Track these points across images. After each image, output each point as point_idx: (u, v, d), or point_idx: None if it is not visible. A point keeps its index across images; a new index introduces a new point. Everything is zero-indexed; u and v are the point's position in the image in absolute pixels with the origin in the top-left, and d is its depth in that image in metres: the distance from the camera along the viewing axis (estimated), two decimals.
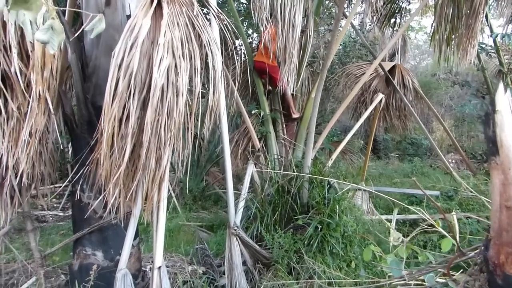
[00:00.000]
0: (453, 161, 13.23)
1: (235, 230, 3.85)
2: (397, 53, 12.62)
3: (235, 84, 4.81)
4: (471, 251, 1.56)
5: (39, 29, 1.32)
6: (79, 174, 2.80)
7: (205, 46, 2.68)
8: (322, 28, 10.95)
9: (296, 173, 4.24)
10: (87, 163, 2.72)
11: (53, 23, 1.32)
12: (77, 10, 3.02)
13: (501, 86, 1.26)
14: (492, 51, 5.44)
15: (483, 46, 5.29)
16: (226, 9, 8.58)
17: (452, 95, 16.00)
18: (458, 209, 5.10)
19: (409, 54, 16.41)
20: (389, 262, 1.66)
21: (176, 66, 2.46)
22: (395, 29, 7.95)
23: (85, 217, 2.93)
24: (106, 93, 2.25)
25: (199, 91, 2.60)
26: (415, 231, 1.98)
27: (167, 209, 7.01)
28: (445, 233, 1.77)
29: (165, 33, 2.31)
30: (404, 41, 11.84)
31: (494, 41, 5.44)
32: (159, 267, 2.88)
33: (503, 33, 5.05)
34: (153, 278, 2.82)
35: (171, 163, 2.87)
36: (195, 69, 2.55)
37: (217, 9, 3.11)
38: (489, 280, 1.38)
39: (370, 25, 11.91)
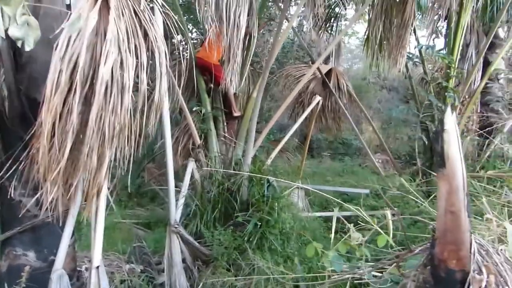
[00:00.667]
0: (380, 160, 14.13)
1: (176, 227, 3.83)
2: (332, 56, 13.18)
3: (177, 80, 4.76)
4: (417, 247, 1.78)
5: (13, 25, 1.23)
6: (10, 171, 2.62)
7: (151, 41, 2.64)
8: (263, 28, 11.12)
9: (237, 172, 4.31)
10: (20, 159, 2.57)
11: (29, 19, 1.24)
12: None
13: (448, 109, 1.44)
14: (418, 60, 5.92)
15: (410, 56, 5.74)
16: (169, 1, 8.40)
17: (381, 99, 17.07)
18: (386, 207, 5.48)
19: (343, 57, 17.17)
20: (331, 257, 1.79)
21: (122, 61, 2.40)
22: (331, 33, 8.33)
23: (17, 215, 2.75)
24: (47, 86, 2.15)
25: (145, 87, 2.56)
26: (355, 228, 2.12)
27: None
28: (380, 230, 1.93)
29: (112, 27, 2.25)
30: (338, 45, 12.38)
31: (420, 52, 5.93)
32: (97, 267, 2.80)
33: (428, 45, 5.52)
34: (91, 278, 2.73)
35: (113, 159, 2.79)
36: (141, 64, 2.50)
37: (162, 3, 3.07)
38: (432, 273, 1.62)
39: (307, 27, 12.31)
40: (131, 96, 2.57)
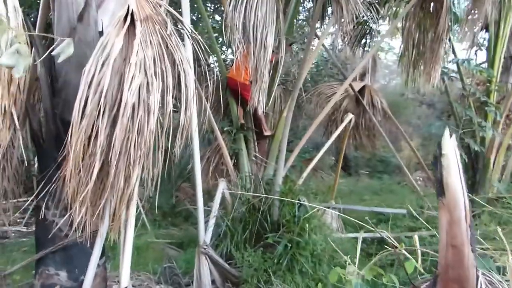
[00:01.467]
0: (421, 178, 13.61)
1: (205, 248, 3.82)
2: (368, 73, 12.94)
3: (208, 101, 4.84)
4: (422, 283, 1.66)
5: (4, 53, 1.30)
6: (44, 190, 2.72)
7: (177, 65, 2.69)
8: (296, 47, 11.17)
9: (265, 195, 4.27)
10: (53, 179, 2.66)
11: (19, 47, 1.31)
12: (46, 35, 2.99)
13: (446, 131, 1.34)
14: (454, 75, 5.71)
15: (445, 70, 5.54)
16: (201, 24, 8.64)
17: (420, 115, 16.56)
18: (424, 228, 5.24)
19: (379, 73, 16.87)
20: (354, 284, 1.70)
21: (148, 84, 2.46)
22: (365, 49, 8.22)
23: (49, 235, 2.84)
24: (74, 110, 2.23)
25: (170, 109, 2.60)
26: (380, 253, 2.02)
27: (136, 226, 6.88)
28: (408, 255, 1.83)
29: (137, 52, 2.31)
30: (374, 61, 12.17)
31: (457, 66, 5.71)
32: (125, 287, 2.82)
33: (463, 59, 5.31)
34: None
35: (141, 179, 2.84)
36: (167, 87, 2.55)
37: (190, 29, 3.14)
38: None
39: (341, 45, 12.24)
40: (159, 118, 2.64)
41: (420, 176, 13.50)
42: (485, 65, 6.38)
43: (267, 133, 5.25)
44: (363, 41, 8.05)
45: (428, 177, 10.63)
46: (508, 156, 5.60)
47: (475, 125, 5.20)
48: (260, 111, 4.97)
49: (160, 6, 3.06)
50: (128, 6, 2.61)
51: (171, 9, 3.17)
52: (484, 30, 6.39)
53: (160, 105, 2.62)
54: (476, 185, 5.61)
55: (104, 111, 2.36)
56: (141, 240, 5.81)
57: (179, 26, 3.15)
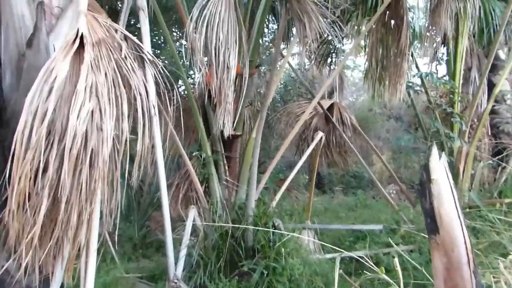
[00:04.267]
0: (394, 191, 13.73)
1: (175, 283, 3.58)
2: (335, 91, 13.18)
3: (173, 125, 4.68)
4: None
5: None
6: None
7: (134, 89, 2.54)
8: (263, 68, 11.22)
9: (236, 225, 4.10)
10: None
11: None
12: None
13: (435, 151, 1.13)
14: (419, 89, 5.79)
15: (410, 84, 5.62)
16: (168, 48, 8.52)
17: (389, 128, 16.87)
18: (401, 242, 5.17)
19: (347, 91, 17.19)
20: None
21: (100, 111, 2.29)
22: (331, 67, 8.30)
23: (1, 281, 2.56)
24: (17, 142, 2.02)
25: (127, 137, 2.43)
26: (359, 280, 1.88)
27: (104, 261, 6.50)
28: (389, 280, 1.70)
29: (86, 77, 2.15)
30: (341, 79, 12.40)
31: (422, 79, 5.81)
32: None
33: (426, 72, 5.40)
34: None
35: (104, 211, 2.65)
36: (122, 113, 2.39)
37: (149, 54, 3.01)
38: None
39: (308, 64, 12.40)
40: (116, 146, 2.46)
41: (393, 189, 13.63)
42: (446, 78, 6.54)
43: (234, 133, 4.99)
44: (329, 60, 8.15)
45: (401, 190, 10.71)
46: (475, 165, 5.67)
47: (443, 136, 5.25)
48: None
49: (116, 30, 2.92)
50: (78, 29, 2.46)
51: (127, 33, 3.04)
52: (443, 45, 6.57)
53: (116, 132, 2.45)
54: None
55: (52, 142, 2.17)
56: (109, 276, 5.47)
57: (139, 50, 3.01)
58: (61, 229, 2.21)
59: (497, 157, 5.71)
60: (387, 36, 5.08)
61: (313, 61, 7.89)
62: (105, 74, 2.35)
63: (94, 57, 2.34)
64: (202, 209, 4.79)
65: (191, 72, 9.37)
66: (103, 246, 7.02)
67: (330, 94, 13.52)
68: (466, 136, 5.44)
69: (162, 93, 3.88)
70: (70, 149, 2.12)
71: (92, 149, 2.26)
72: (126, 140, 2.39)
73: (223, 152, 5.11)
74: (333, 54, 8.22)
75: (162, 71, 2.92)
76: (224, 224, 4.29)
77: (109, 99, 2.35)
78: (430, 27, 5.49)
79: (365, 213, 10.18)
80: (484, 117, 5.60)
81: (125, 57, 2.59)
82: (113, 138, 2.45)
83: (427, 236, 4.10)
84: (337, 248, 3.67)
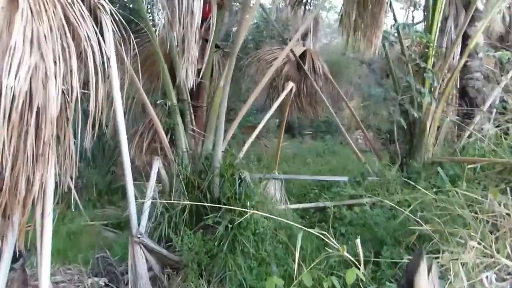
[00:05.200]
0: (361, 137, 13.98)
1: (138, 238, 3.54)
2: (310, 33, 12.77)
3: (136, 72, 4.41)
4: None
5: None
6: None
7: (84, 40, 2.27)
8: (236, 4, 10.61)
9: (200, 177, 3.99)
10: None
11: None
12: None
13: (423, 267, 0.97)
14: (394, 40, 5.61)
15: (386, 36, 5.42)
16: None
17: (361, 74, 16.79)
18: (365, 195, 5.28)
19: (321, 33, 16.74)
20: None
21: (46, 67, 2.04)
22: (307, 8, 7.91)
23: None
24: None
25: (77, 93, 2.21)
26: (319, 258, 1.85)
27: (69, 207, 6.34)
28: (352, 259, 1.67)
29: (24, 28, 1.87)
30: (316, 21, 11.94)
31: (398, 31, 5.60)
32: None
33: (404, 24, 5.17)
34: None
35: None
36: (71, 69, 2.15)
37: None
38: None
39: (282, 5, 11.83)
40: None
41: (361, 135, 13.86)
42: (422, 25, 6.34)
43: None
44: (304, 0, 7.73)
45: (366, 138, 10.86)
46: (442, 121, 5.70)
47: (414, 91, 5.19)
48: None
49: None
50: None
51: None
52: None
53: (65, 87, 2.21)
54: (413, 149, 5.70)
55: None
56: (74, 224, 5.40)
57: None
58: (9, 196, 2.06)
59: (462, 115, 5.78)
60: None
61: (287, 2, 7.48)
62: (50, 24, 2.06)
63: (34, 3, 2.03)
64: (167, 160, 4.66)
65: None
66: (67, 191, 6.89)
67: (304, 36, 13.10)
68: (437, 92, 5.41)
69: (119, 38, 3.57)
70: (11, 110, 1.90)
71: (38, 109, 2.04)
72: (77, 96, 2.17)
73: (189, 100, 4.89)
74: None
75: (117, 16, 2.65)
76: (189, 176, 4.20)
77: (55, 53, 2.09)
78: None
79: (332, 160, 10.39)
80: (455, 74, 5.55)
81: (72, 2, 2.28)
82: (64, 93, 2.23)
83: (390, 188, 4.11)
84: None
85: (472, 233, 2.06)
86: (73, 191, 6.41)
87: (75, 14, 2.25)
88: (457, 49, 6.27)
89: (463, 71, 6.05)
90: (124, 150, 3.53)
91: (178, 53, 3.62)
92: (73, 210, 6.20)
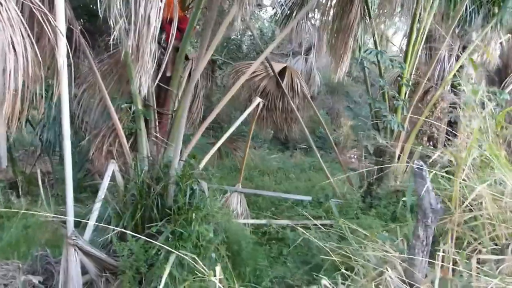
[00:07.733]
0: (355, 156, 13.94)
1: (74, 239, 3.54)
2: (313, 48, 12.91)
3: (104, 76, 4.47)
4: None
5: None
6: None
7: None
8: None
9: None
10: None
11: None
12: None
13: None
14: (366, 66, 5.57)
15: (364, 59, 5.39)
16: None
17: (361, 93, 16.85)
18: (325, 217, 5.26)
19: (324, 49, 16.80)
20: None
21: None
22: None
23: None
24: None
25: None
26: None
27: (35, 202, 6.35)
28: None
29: None
30: (319, 37, 12.01)
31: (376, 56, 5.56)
32: None
33: (377, 51, 5.08)
34: None
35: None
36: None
37: None
38: None
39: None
40: None
41: (355, 154, 13.82)
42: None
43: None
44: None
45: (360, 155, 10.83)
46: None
47: (383, 117, 5.17)
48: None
49: None
50: None
51: None
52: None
53: None
54: (382, 175, 5.67)
55: None
56: (33, 219, 5.42)
57: None
58: None
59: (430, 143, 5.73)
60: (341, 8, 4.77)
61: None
62: None
63: None
64: (127, 165, 4.69)
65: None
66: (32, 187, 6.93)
67: (307, 51, 13.18)
68: (407, 121, 5.37)
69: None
70: None
71: None
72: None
73: (155, 107, 4.92)
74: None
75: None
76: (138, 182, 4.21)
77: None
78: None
79: (315, 177, 10.33)
80: (429, 105, 5.52)
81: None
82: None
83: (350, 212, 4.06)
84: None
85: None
86: (40, 186, 6.45)
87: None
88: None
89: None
90: (66, 146, 3.55)
91: (132, 61, 3.63)
92: (39, 205, 6.27)
